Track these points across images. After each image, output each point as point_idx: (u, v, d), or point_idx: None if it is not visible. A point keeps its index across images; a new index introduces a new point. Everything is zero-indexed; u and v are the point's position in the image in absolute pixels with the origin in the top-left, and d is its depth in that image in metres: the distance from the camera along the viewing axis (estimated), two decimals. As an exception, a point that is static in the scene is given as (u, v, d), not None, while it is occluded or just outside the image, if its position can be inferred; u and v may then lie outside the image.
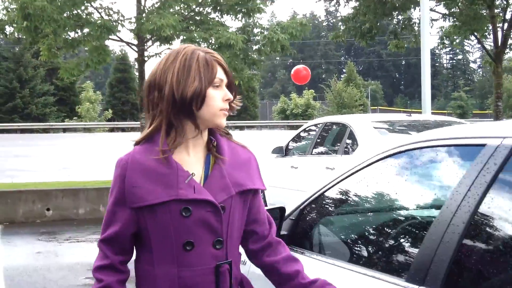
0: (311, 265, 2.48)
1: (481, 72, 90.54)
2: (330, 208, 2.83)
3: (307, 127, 10.42)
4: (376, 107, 67.27)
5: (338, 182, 2.71)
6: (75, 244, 9.09)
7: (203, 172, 2.07)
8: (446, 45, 18.20)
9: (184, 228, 2.01)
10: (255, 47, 14.58)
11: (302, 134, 10.52)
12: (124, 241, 2.07)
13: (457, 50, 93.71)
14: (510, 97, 59.53)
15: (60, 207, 11.32)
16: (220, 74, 2.06)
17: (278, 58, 21.17)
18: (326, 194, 2.76)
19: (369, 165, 2.56)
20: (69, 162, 21.08)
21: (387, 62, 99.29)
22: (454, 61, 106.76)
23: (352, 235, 2.72)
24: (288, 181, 9.65)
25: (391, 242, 2.44)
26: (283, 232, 2.79)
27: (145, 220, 2.02)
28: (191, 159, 2.07)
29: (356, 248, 2.61)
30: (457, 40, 18.67)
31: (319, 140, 9.55)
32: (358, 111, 50.35)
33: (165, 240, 2.02)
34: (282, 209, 2.75)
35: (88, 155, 24.33)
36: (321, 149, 9.39)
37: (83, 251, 8.54)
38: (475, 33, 17.04)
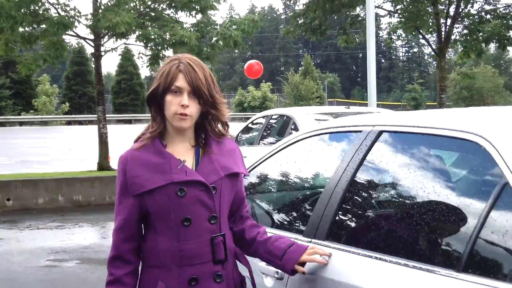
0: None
1: (435, 65, 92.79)
2: (255, 184, 3.42)
3: (255, 119, 11.09)
4: (333, 100, 68.08)
5: (260, 163, 3.31)
6: (35, 231, 9.54)
7: (194, 160, 2.39)
8: (394, 41, 18.93)
9: (181, 207, 2.30)
10: (208, 43, 15.06)
11: (251, 125, 11.18)
12: (132, 228, 2.37)
13: (413, 43, 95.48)
14: (463, 89, 60.54)
15: (20, 197, 11.71)
16: (179, 83, 2.30)
17: (236, 51, 21.48)
18: (252, 172, 3.36)
19: (282, 149, 3.17)
20: (27, 155, 21.30)
21: (344, 55, 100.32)
22: (409, 54, 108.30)
23: (271, 206, 3.32)
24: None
25: (297, 209, 3.06)
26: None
27: (147, 205, 2.32)
28: (182, 151, 2.38)
29: (274, 216, 3.20)
30: (403, 36, 19.43)
31: (266, 131, 10.20)
32: (315, 104, 51.08)
33: (165, 219, 2.32)
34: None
35: (46, 148, 24.51)
36: (268, 139, 10.02)
37: (43, 237, 9.01)
38: (420, 29, 17.79)
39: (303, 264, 2.40)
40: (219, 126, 2.46)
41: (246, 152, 10.23)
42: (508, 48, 18.47)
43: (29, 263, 7.34)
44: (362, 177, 2.53)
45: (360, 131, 2.64)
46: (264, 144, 9.94)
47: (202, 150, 2.42)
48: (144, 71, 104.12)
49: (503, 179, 1.86)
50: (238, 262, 2.51)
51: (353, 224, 2.54)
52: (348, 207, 2.54)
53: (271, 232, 2.72)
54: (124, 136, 27.88)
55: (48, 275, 6.86)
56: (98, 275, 6.79)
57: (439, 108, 17.18)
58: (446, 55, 18.37)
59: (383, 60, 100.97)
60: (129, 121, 46.30)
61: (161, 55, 14.85)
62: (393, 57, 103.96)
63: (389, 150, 2.48)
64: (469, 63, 66.53)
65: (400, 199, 2.39)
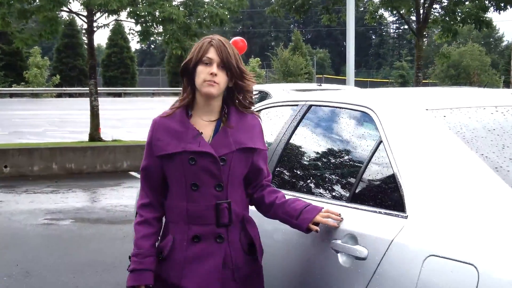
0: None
1: (425, 42, 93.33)
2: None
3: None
4: (322, 76, 68.48)
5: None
6: (32, 195, 10.32)
7: (213, 133, 2.62)
8: (376, 20, 19.60)
9: (191, 173, 2.56)
10: (196, 20, 15.73)
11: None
12: (155, 183, 2.67)
13: (403, 20, 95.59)
14: (450, 68, 60.98)
15: (16, 164, 12.48)
16: (210, 54, 2.55)
17: (227, 25, 21.90)
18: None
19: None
20: (19, 126, 21.93)
21: (335, 31, 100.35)
22: (400, 30, 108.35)
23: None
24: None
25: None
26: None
27: (166, 166, 2.61)
28: (204, 122, 2.62)
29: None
30: (384, 16, 20.13)
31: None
32: (304, 80, 51.66)
33: (178, 181, 2.60)
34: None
35: (37, 120, 25.10)
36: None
37: (39, 200, 9.80)
38: (400, 9, 18.51)
39: (317, 224, 2.62)
40: (246, 98, 2.69)
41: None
42: (485, 29, 19.19)
43: (28, 221, 8.14)
44: (295, 138, 3.33)
45: (297, 105, 3.45)
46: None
47: (222, 124, 2.64)
48: (134, 45, 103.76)
49: (379, 137, 2.68)
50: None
51: (287, 173, 3.35)
52: (284, 161, 3.35)
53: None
54: (114, 109, 28.37)
55: (46, 231, 7.66)
56: (91, 231, 7.62)
57: (415, 85, 17.97)
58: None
59: (373, 37, 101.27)
60: (119, 95, 46.81)
61: (151, 31, 15.52)
62: (384, 33, 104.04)
63: (314, 119, 3.30)
64: (456, 41, 67.03)
65: (318, 155, 3.22)
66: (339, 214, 2.61)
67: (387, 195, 2.57)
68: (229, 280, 2.62)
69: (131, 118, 26.12)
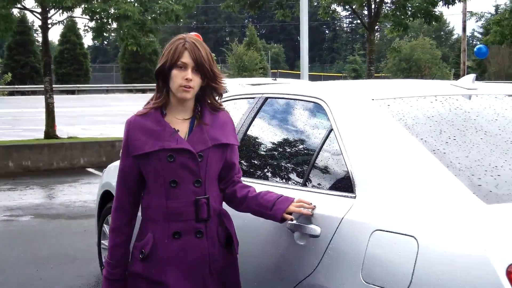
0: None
1: (378, 36, 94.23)
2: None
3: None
4: (277, 70, 68.81)
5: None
6: (-10, 192, 10.32)
7: (188, 130, 2.68)
8: (328, 15, 19.92)
9: (170, 170, 2.61)
10: (151, 17, 15.78)
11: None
12: (131, 183, 2.73)
13: (357, 13, 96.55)
14: (401, 61, 61.89)
15: (-28, 162, 12.40)
16: (185, 59, 2.59)
17: (181, 21, 21.86)
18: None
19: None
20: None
21: (289, 26, 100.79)
22: (353, 25, 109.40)
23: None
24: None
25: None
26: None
27: (143, 165, 2.66)
28: (179, 121, 2.68)
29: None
30: (337, 10, 20.51)
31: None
32: (258, 75, 51.90)
33: (156, 179, 2.64)
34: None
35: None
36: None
37: (-3, 197, 9.82)
38: (352, 4, 18.87)
39: (290, 214, 2.70)
40: (217, 98, 2.77)
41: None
42: (434, 23, 19.70)
43: (-12, 218, 8.19)
44: (253, 129, 3.55)
45: (254, 98, 3.66)
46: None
47: (197, 122, 2.71)
48: (87, 41, 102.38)
49: (330, 126, 2.91)
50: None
51: (245, 163, 3.56)
52: (243, 151, 3.56)
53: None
54: (68, 106, 28.14)
55: (7, 227, 7.73)
56: (51, 226, 7.71)
57: (367, 79, 18.38)
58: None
59: (327, 31, 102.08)
60: (72, 92, 46.33)
61: (105, 27, 15.53)
62: (337, 28, 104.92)
63: (270, 110, 3.52)
64: (408, 35, 68.02)
65: (275, 144, 3.45)
66: (311, 203, 2.72)
67: (337, 179, 2.80)
68: (207, 274, 2.70)
69: (85, 115, 25.98)
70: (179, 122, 2.69)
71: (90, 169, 12.68)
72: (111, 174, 5.19)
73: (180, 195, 2.65)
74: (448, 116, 2.81)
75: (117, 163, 5.22)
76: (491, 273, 1.98)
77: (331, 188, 2.80)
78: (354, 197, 2.60)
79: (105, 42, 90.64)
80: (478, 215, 2.18)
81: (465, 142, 2.61)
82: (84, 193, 10.03)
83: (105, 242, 5.24)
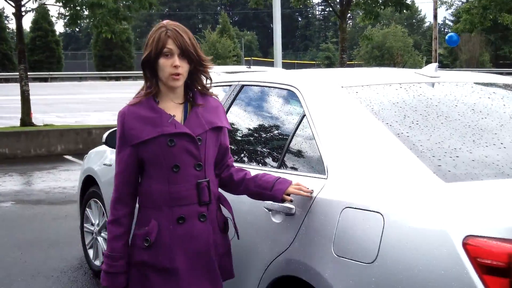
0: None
1: (350, 24, 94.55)
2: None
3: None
4: (250, 58, 68.84)
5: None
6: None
7: (183, 115, 2.71)
8: (300, 3, 20.11)
9: (171, 155, 2.63)
10: (124, 4, 15.86)
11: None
12: (130, 173, 2.71)
13: (330, 1, 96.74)
14: (374, 49, 62.26)
15: None
16: (169, 45, 2.59)
17: (154, 7, 21.72)
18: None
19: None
20: None
21: (262, 13, 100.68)
22: (325, 12, 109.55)
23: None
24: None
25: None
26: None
27: (142, 153, 2.66)
28: (172, 107, 2.70)
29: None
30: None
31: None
32: (232, 62, 52.00)
33: (158, 165, 2.65)
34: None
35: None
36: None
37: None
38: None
39: (288, 195, 2.79)
40: (206, 81, 2.80)
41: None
42: (405, 11, 20.00)
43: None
44: (230, 116, 3.75)
45: (230, 85, 3.86)
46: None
47: (190, 106, 2.74)
48: (59, 28, 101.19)
49: (303, 112, 3.12)
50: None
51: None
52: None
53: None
54: (42, 94, 28.01)
55: (-13, 213, 7.86)
56: (33, 212, 7.85)
57: (340, 67, 18.63)
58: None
59: (300, 19, 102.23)
60: (45, 79, 45.98)
61: (79, 15, 15.56)
62: (310, 15, 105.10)
63: (246, 97, 3.72)
64: (380, 23, 68.39)
65: (251, 130, 3.66)
66: (308, 187, 2.80)
67: (310, 161, 3.02)
68: (212, 257, 2.75)
69: (60, 103, 25.92)
70: (173, 108, 2.71)
71: (67, 156, 12.79)
72: (92, 159, 5.37)
73: (182, 179, 2.67)
74: (412, 103, 3.04)
75: (98, 149, 5.40)
76: (449, 244, 2.20)
77: (304, 170, 3.02)
78: (326, 178, 2.82)
79: (77, 30, 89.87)
80: (438, 192, 2.41)
81: (427, 127, 2.84)
82: (63, 179, 10.16)
83: (88, 226, 5.43)
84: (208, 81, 2.82)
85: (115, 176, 2.76)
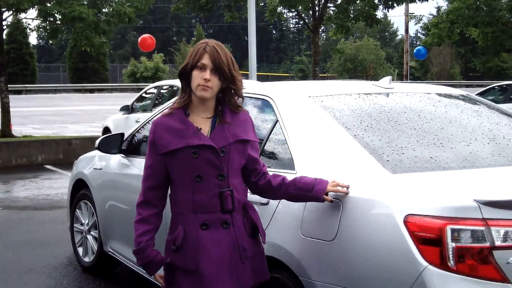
0: (141, 161, 4.74)
1: (323, 37, 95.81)
2: (144, 134, 5.06)
3: (148, 89, 12.82)
4: (225, 70, 68.74)
5: (147, 122, 4.97)
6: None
7: (210, 128, 2.87)
8: (274, 17, 20.69)
9: (195, 166, 2.80)
10: (104, 18, 16.29)
11: (145, 95, 12.85)
12: (156, 178, 2.90)
13: (303, 15, 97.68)
14: (347, 62, 63.04)
15: None
16: (204, 61, 2.77)
17: (133, 21, 22.14)
18: (143, 127, 5.00)
19: (159, 113, 4.84)
20: None
21: (237, 26, 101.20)
22: (299, 25, 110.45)
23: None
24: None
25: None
26: (124, 147, 5.00)
27: (170, 162, 2.84)
28: (201, 119, 2.87)
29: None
30: (283, 12, 21.37)
31: (158, 99, 11.88)
32: (207, 74, 52.25)
33: (182, 174, 2.84)
34: (122, 134, 5.01)
35: None
36: (159, 107, 11.63)
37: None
38: (296, 7, 19.71)
39: (326, 194, 2.98)
40: (237, 99, 2.94)
41: (141, 118, 11.84)
42: (375, 25, 20.71)
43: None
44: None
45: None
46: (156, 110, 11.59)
47: (218, 120, 2.90)
48: (32, 40, 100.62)
49: (276, 118, 3.65)
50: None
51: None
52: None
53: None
54: (17, 106, 28.21)
55: (-25, 218, 8.25)
56: (20, 217, 8.26)
57: (313, 79, 19.24)
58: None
59: (274, 31, 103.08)
60: (19, 92, 45.99)
61: (59, 28, 15.98)
62: (284, 28, 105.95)
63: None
64: (352, 36, 69.31)
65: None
66: (344, 183, 3.00)
67: (282, 159, 3.54)
68: (238, 262, 2.90)
69: (35, 115, 26.22)
70: (202, 121, 2.88)
71: (48, 166, 13.16)
72: (83, 164, 5.83)
73: (205, 188, 2.83)
74: (368, 110, 3.59)
75: (88, 155, 5.88)
76: (393, 222, 2.73)
77: (277, 167, 3.53)
78: (295, 173, 3.33)
79: (50, 42, 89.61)
80: (385, 181, 2.94)
81: (379, 129, 3.39)
82: (45, 187, 10.55)
83: (78, 226, 5.88)
84: (240, 100, 2.96)
85: (143, 181, 2.96)
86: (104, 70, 55.48)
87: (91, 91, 47.48)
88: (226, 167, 2.85)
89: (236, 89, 2.88)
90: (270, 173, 3.11)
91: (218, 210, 2.85)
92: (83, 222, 5.80)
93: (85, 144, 13.73)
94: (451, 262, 2.59)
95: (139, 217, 2.94)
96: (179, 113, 2.87)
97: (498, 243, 2.60)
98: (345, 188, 2.98)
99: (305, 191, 2.99)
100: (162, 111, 4.77)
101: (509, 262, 2.60)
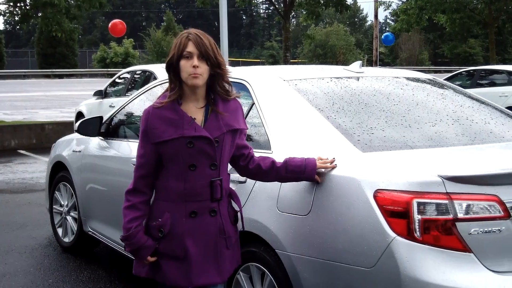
0: (119, 143, 4.89)
1: (294, 22, 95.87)
2: (122, 117, 5.20)
3: (121, 74, 12.86)
4: (195, 56, 68.59)
5: (125, 105, 5.11)
6: None
7: (203, 117, 2.89)
8: (245, 3, 20.83)
9: (189, 155, 2.84)
10: (75, 3, 16.27)
11: (118, 80, 12.91)
12: (148, 167, 2.92)
13: (274, 0, 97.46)
14: (317, 47, 63.38)
15: None
16: (189, 48, 2.79)
17: (104, 7, 21.94)
18: (121, 111, 5.14)
19: (137, 97, 4.98)
20: None
21: (206, 11, 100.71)
22: (269, 11, 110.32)
23: (131, 127, 5.11)
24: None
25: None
26: (102, 130, 5.14)
27: (163, 151, 2.86)
28: (194, 109, 2.89)
29: (131, 133, 4.99)
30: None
31: (131, 84, 11.97)
32: (177, 60, 52.11)
33: (176, 163, 2.86)
34: (101, 118, 5.14)
35: None
36: (133, 91, 11.72)
37: None
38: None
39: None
40: (225, 85, 2.96)
41: (114, 102, 11.92)
42: (345, 11, 20.95)
43: None
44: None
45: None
46: (129, 95, 11.65)
47: (211, 109, 2.92)
48: (0, 25, 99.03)
49: (252, 100, 3.82)
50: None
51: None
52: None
53: (132, 141, 4.56)
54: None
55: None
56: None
57: (284, 64, 19.42)
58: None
59: (244, 17, 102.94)
60: (-14, 77, 45.48)
61: (32, 14, 15.92)
62: (254, 14, 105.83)
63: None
64: (323, 21, 69.56)
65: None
66: (327, 157, 3.14)
67: (258, 140, 3.72)
68: (223, 248, 2.99)
69: (4, 100, 25.97)
70: (195, 111, 2.91)
71: (21, 151, 13.17)
72: (61, 147, 5.95)
73: (197, 177, 2.88)
74: (340, 93, 3.78)
75: (66, 138, 6.00)
76: (364, 196, 2.93)
77: (255, 147, 3.68)
78: (271, 153, 3.51)
79: (18, 27, 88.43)
80: (356, 159, 3.14)
81: (351, 111, 3.59)
82: (20, 172, 10.60)
83: (57, 207, 6.01)
84: (228, 86, 3.00)
85: (135, 170, 2.99)
86: (73, 55, 55.06)
87: (61, 76, 47.13)
88: (219, 157, 2.91)
89: (222, 74, 2.92)
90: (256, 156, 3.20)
91: (207, 198, 2.91)
92: (63, 203, 5.92)
93: (58, 129, 13.76)
94: (417, 233, 2.79)
95: (128, 203, 2.96)
96: (172, 103, 2.89)
97: (460, 215, 2.81)
98: (333, 163, 3.11)
99: (298, 173, 3.09)
100: (140, 95, 4.93)
101: (471, 233, 2.81)
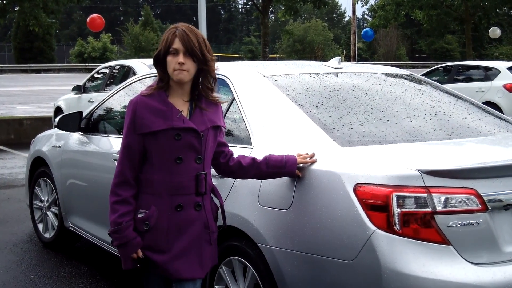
0: (100, 138, 4.90)
1: (273, 17, 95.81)
2: (102, 112, 5.21)
3: (100, 69, 12.81)
4: (174, 51, 68.36)
5: (105, 100, 5.12)
6: None
7: (188, 112, 2.92)
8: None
9: (176, 148, 2.84)
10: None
11: (96, 75, 12.86)
12: (134, 159, 2.88)
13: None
14: (296, 43, 63.42)
15: None
16: (175, 45, 2.81)
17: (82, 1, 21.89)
18: (101, 106, 5.14)
19: (117, 92, 4.99)
20: None
21: (185, 6, 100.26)
22: (248, 6, 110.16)
23: (111, 123, 5.13)
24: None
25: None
26: (82, 126, 5.14)
27: (149, 143, 2.85)
28: (180, 103, 2.91)
29: (111, 129, 5.01)
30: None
31: (110, 79, 11.94)
32: (155, 55, 51.93)
33: (162, 156, 2.85)
34: (80, 113, 5.14)
35: None
36: (111, 86, 11.70)
37: None
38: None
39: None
40: (211, 81, 2.96)
41: (93, 97, 11.88)
42: (323, 7, 21.03)
43: None
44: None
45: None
46: (108, 90, 11.62)
47: (195, 104, 2.96)
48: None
49: (232, 96, 3.85)
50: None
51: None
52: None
53: (113, 136, 4.57)
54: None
55: None
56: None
57: (263, 60, 19.46)
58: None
59: (222, 12, 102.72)
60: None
61: (8, 9, 15.78)
62: (233, 9, 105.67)
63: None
64: (301, 17, 69.65)
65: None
66: (307, 153, 3.20)
67: (239, 135, 3.75)
68: (207, 243, 3.01)
69: (-19, 95, 25.75)
70: (182, 104, 2.94)
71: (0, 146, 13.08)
72: (41, 142, 5.94)
73: (184, 171, 2.89)
74: (319, 88, 3.83)
75: (46, 133, 5.99)
76: (344, 190, 2.97)
77: (235, 142, 3.73)
78: (252, 147, 3.55)
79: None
80: (336, 154, 3.19)
81: (330, 107, 3.64)
82: (-2, 167, 10.55)
83: (37, 203, 5.99)
84: (213, 82, 2.99)
85: (119, 161, 2.94)
86: (50, 50, 54.60)
87: (38, 71, 46.76)
88: (204, 151, 2.94)
89: (208, 70, 2.91)
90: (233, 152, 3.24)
91: (193, 192, 2.92)
92: (43, 199, 5.91)
93: (36, 124, 13.67)
94: (397, 226, 2.85)
95: (119, 198, 2.90)
96: (160, 94, 2.91)
97: (439, 208, 2.87)
98: (313, 158, 3.17)
99: (279, 168, 3.13)
100: (120, 90, 4.94)
101: (449, 226, 2.87)
